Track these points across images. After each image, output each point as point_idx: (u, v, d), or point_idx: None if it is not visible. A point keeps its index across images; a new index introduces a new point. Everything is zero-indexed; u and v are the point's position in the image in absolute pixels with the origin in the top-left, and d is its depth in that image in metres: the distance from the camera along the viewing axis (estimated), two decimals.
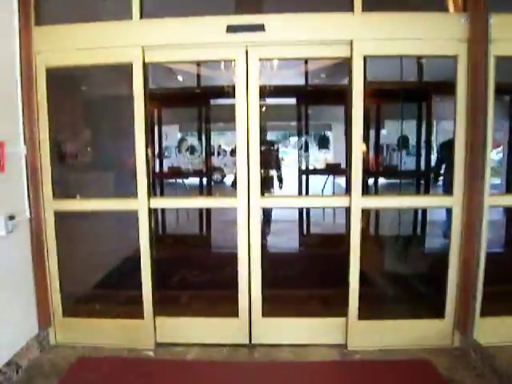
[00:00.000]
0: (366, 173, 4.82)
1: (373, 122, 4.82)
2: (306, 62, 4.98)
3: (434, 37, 2.22)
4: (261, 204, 2.36)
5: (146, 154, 2.33)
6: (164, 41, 2.25)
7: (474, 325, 2.31)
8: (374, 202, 2.53)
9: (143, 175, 2.32)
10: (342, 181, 6.54)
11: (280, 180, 4.78)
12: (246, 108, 2.29)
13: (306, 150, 4.93)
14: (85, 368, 2.31)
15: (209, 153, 5.12)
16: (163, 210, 4.66)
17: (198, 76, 5.30)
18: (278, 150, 5.03)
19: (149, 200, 2.36)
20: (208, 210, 4.67)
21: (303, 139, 4.89)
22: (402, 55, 2.30)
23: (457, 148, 2.28)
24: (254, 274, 2.41)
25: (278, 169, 4.81)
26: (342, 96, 5.08)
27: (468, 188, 2.29)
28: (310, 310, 2.70)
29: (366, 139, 4.94)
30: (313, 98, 5.03)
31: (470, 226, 2.28)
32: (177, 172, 5.60)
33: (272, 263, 2.81)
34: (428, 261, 3.74)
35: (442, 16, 2.25)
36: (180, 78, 6.75)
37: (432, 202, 2.75)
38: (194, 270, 3.66)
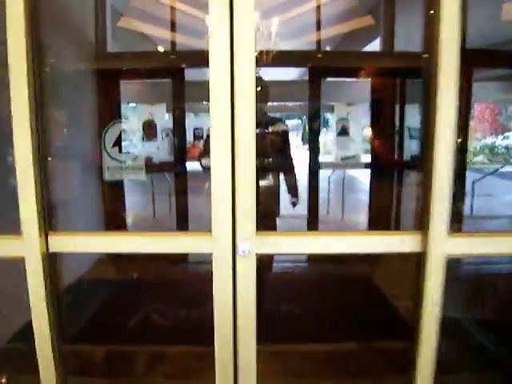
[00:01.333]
0: (383, 166, 3.77)
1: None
2: (319, 26, 3.86)
3: None
4: (257, 248, 1.26)
5: (41, 152, 1.22)
6: None
7: None
8: (475, 247, 1.23)
9: (31, 193, 1.21)
10: (355, 173, 5.61)
11: (293, 191, 2.40)
12: (230, 74, 1.17)
13: (315, 137, 3.61)
14: None
15: (182, 138, 3.75)
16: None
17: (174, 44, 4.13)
18: (287, 135, 2.35)
19: (46, 239, 1.25)
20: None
21: (317, 123, 3.62)
22: None
23: None
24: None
25: (290, 172, 2.37)
26: (357, 69, 4.09)
27: None
28: None
29: (377, 122, 3.94)
30: (321, 71, 3.86)
31: None
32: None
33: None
34: None
35: None
36: (161, 48, 5.58)
37: None
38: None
